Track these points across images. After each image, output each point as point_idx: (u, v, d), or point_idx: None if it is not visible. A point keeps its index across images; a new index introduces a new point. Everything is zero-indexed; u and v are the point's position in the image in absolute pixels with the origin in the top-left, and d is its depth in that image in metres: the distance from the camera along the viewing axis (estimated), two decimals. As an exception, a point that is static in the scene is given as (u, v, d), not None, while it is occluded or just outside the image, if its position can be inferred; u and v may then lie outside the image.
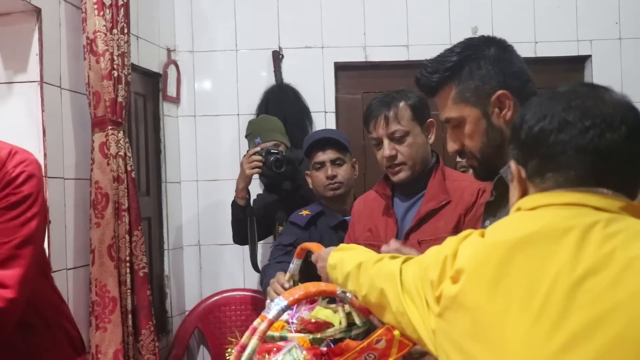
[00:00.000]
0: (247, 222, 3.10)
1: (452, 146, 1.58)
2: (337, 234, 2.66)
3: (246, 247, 3.64)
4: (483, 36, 1.59)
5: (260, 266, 3.18)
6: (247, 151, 3.15)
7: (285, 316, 1.55)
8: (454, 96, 1.53)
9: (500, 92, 1.49)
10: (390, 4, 3.79)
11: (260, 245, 3.41)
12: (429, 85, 1.57)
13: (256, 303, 3.66)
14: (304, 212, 2.78)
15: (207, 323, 3.69)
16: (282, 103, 3.58)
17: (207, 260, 3.82)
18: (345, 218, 2.66)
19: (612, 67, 3.76)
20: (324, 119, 3.75)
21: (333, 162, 2.70)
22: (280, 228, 3.02)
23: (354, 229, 2.28)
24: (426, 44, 3.73)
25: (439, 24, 3.76)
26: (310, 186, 2.81)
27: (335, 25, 3.79)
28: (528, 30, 3.71)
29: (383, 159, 2.12)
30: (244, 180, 3.07)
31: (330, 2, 3.79)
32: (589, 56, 3.79)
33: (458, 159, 2.78)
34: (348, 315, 1.55)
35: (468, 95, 1.51)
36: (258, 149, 3.09)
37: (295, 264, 1.86)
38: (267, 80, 3.78)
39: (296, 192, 3.10)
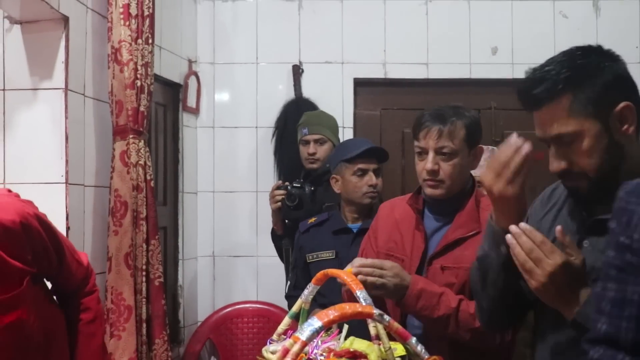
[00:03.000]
0: (282, 252, 3.25)
1: (558, 165, 1.40)
2: (337, 239, 2.72)
3: (260, 260, 3.67)
4: (599, 46, 1.45)
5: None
6: (272, 186, 3.22)
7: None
8: (571, 107, 1.36)
9: (624, 104, 1.36)
10: (410, 22, 3.80)
11: None
12: (540, 95, 1.38)
13: (269, 316, 3.66)
14: (311, 220, 2.89)
15: (219, 334, 3.69)
16: (300, 117, 3.58)
17: (221, 271, 3.82)
18: (349, 226, 2.74)
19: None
20: (342, 134, 3.75)
21: (375, 171, 2.74)
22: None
23: (377, 234, 2.17)
24: (446, 62, 3.76)
25: (459, 42, 3.77)
26: (337, 190, 2.79)
27: (355, 41, 3.81)
28: (548, 51, 3.69)
29: (423, 171, 2.00)
30: (273, 213, 3.22)
31: (351, 18, 3.81)
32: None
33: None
34: (385, 353, 1.52)
35: (589, 106, 1.35)
36: (282, 183, 3.18)
37: (309, 290, 1.71)
38: (286, 94, 3.80)
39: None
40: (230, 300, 3.77)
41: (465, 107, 2.05)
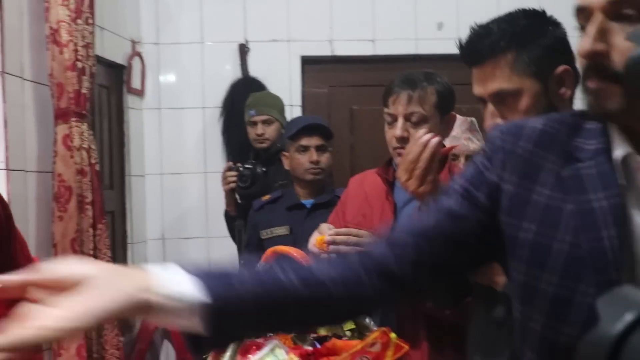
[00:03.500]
0: (235, 233, 3.21)
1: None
2: (291, 215, 2.72)
3: (211, 241, 3.64)
4: (543, 10, 1.43)
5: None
6: (224, 168, 3.21)
7: None
8: (514, 64, 1.33)
9: (564, 67, 1.35)
10: (356, -2, 3.79)
11: None
12: (483, 50, 1.36)
13: (221, 297, 3.64)
14: (264, 198, 2.88)
15: (171, 317, 3.65)
16: (247, 96, 3.55)
17: (172, 254, 3.78)
18: (302, 202, 2.75)
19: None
20: (290, 112, 3.73)
21: (318, 148, 2.74)
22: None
23: (346, 208, 2.10)
24: (392, 38, 3.76)
25: (405, 19, 3.78)
26: (286, 167, 2.83)
27: (301, 19, 3.78)
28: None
29: (393, 138, 1.88)
30: (226, 195, 3.19)
31: (297, -4, 3.79)
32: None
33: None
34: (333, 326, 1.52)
35: (531, 65, 1.34)
36: (232, 164, 3.16)
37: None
38: (232, 73, 3.76)
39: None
40: (182, 283, 3.73)
41: (438, 73, 1.95)
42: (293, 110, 3.76)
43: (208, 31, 3.78)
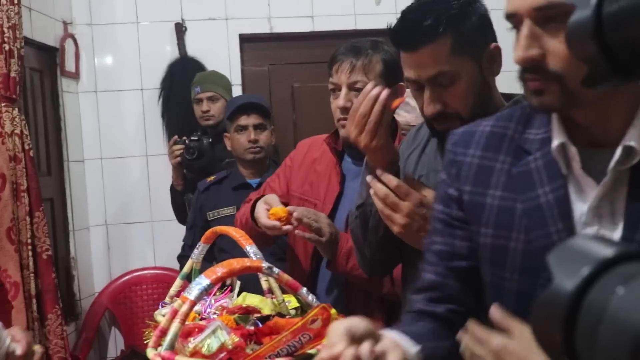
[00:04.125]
0: (186, 207, 3.18)
1: (433, 108, 1.36)
2: (237, 194, 2.69)
3: (155, 225, 3.60)
4: None
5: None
6: (170, 142, 3.23)
7: (197, 307, 1.47)
8: (452, 47, 1.32)
9: (494, 44, 1.38)
10: (294, -25, 3.75)
11: None
12: (420, 35, 1.32)
13: (168, 281, 3.60)
14: (210, 179, 2.85)
15: (117, 304, 3.60)
16: (186, 76, 3.49)
17: (115, 239, 3.71)
18: (248, 181, 2.74)
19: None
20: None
21: (256, 127, 2.73)
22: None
23: (291, 173, 2.02)
24: (331, 14, 3.74)
25: (344, -6, 3.76)
26: (229, 148, 2.83)
27: (239, -4, 3.72)
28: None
29: (337, 109, 1.81)
30: (174, 169, 3.22)
31: (234, -28, 3.72)
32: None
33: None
34: (279, 306, 1.51)
35: (467, 46, 1.34)
36: (178, 138, 3.18)
37: (200, 250, 1.64)
38: (171, 53, 3.69)
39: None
40: (127, 269, 3.68)
41: (387, 42, 1.80)
42: (233, 90, 3.71)
43: (143, 10, 3.69)
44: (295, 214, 1.73)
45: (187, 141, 3.12)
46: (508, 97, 1.44)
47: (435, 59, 1.33)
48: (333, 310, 1.18)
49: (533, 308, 0.68)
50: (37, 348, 1.53)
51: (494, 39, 1.40)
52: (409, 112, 2.32)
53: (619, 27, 0.56)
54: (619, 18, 0.55)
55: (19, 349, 1.46)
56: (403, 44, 1.38)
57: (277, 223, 1.74)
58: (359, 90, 1.74)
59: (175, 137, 3.21)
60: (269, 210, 1.80)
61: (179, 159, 3.14)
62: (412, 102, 2.14)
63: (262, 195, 1.93)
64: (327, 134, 1.99)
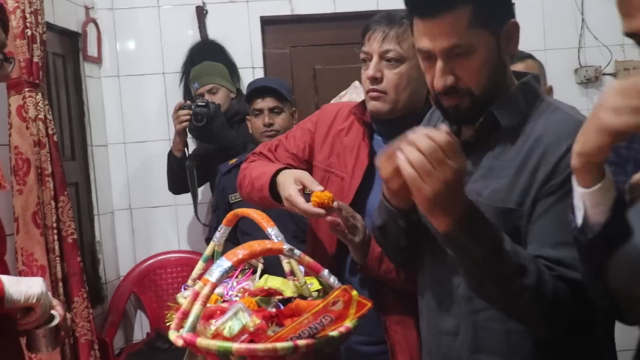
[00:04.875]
0: (184, 173, 3.18)
1: (444, 81, 1.31)
2: None
3: (180, 208, 3.61)
4: None
5: (200, 217, 3.36)
6: (175, 107, 3.16)
7: (218, 289, 1.47)
8: (471, 18, 1.26)
9: (513, 20, 1.33)
10: (315, -45, 3.71)
11: (205, 197, 3.58)
12: (440, 2, 1.26)
13: (192, 264, 3.60)
14: (232, 161, 2.85)
15: (142, 287, 3.63)
16: (207, 59, 3.49)
17: (140, 223, 3.74)
18: None
19: (534, 13, 3.78)
20: (252, 74, 3.68)
21: (271, 110, 2.75)
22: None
23: (314, 141, 1.90)
24: (353, -5, 3.71)
25: (365, -26, 3.72)
26: (250, 131, 2.85)
27: (259, -22, 3.70)
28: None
29: (366, 80, 1.73)
30: (177, 134, 3.14)
31: (254, -46, 3.69)
32: (512, 4, 3.81)
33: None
34: (300, 288, 1.50)
35: (487, 19, 1.28)
36: (184, 102, 3.13)
37: (221, 232, 1.63)
38: (192, 37, 3.68)
39: (229, 144, 3.07)
40: (152, 252, 3.70)
41: None
42: (255, 72, 3.70)
43: (164, -6, 3.68)
44: (336, 204, 1.59)
45: (193, 107, 3.04)
46: (516, 75, 1.42)
47: (452, 29, 1.26)
48: (354, 292, 1.16)
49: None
50: (67, 315, 1.56)
51: (513, 15, 1.34)
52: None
53: None
54: None
55: (57, 317, 1.49)
56: (420, 10, 1.30)
57: (322, 211, 1.57)
58: (390, 60, 1.70)
59: (181, 101, 3.17)
60: (303, 190, 1.64)
61: (184, 124, 3.06)
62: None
63: (286, 167, 1.79)
64: (353, 103, 1.90)
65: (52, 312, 1.51)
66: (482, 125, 1.34)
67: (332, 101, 2.42)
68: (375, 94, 1.72)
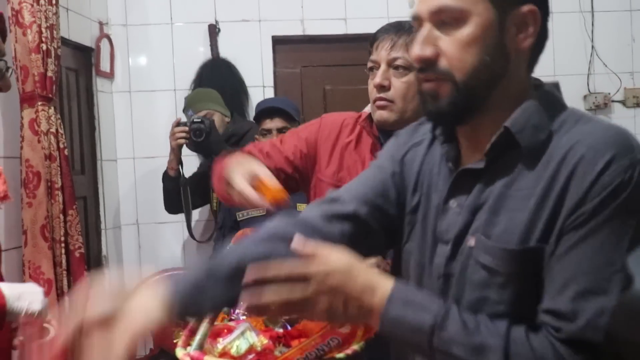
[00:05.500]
0: (179, 193, 3.18)
1: (421, 50, 1.03)
2: None
3: (185, 224, 3.62)
4: None
5: (194, 233, 3.38)
6: (172, 124, 3.18)
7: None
8: None
9: (531, 6, 1.03)
10: (327, -23, 3.75)
11: (197, 212, 3.54)
12: None
13: (197, 281, 3.62)
14: None
15: (147, 302, 3.62)
16: (215, 78, 3.53)
17: (146, 238, 3.75)
18: None
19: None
20: (262, 93, 3.70)
21: (280, 130, 2.77)
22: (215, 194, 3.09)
23: (317, 153, 1.81)
24: (364, 17, 3.73)
25: (377, -3, 3.75)
26: None
27: (272, -1, 3.74)
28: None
29: (373, 89, 1.69)
30: (172, 152, 3.14)
31: (267, -25, 3.74)
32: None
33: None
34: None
35: None
36: (181, 120, 3.15)
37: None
38: (204, 54, 3.71)
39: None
40: (158, 268, 3.70)
41: None
42: (265, 91, 3.73)
43: (177, 11, 3.72)
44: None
45: (188, 124, 3.05)
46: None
47: None
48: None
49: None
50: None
51: (540, 3, 1.05)
52: None
53: None
54: None
55: (52, 332, 1.50)
56: None
57: (257, 198, 1.49)
58: (398, 67, 1.66)
59: (179, 118, 3.20)
60: (255, 180, 1.54)
61: (181, 141, 3.07)
62: None
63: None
64: (357, 113, 1.85)
65: (48, 325, 1.53)
66: (495, 147, 1.03)
67: None
68: (382, 102, 1.67)
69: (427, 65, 1.03)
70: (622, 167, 0.93)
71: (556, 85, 1.11)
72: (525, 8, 1.03)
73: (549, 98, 1.07)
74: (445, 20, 1.02)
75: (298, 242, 1.00)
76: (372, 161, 1.25)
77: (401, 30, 1.68)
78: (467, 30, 1.01)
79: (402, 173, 1.18)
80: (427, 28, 1.04)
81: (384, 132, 1.71)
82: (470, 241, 1.03)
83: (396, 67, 1.67)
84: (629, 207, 0.93)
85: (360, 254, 1.03)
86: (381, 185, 1.18)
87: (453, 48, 1.01)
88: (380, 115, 1.68)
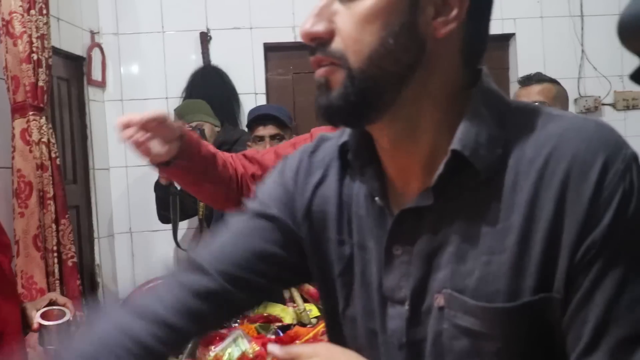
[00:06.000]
0: (170, 201, 3.21)
1: (311, 24, 0.77)
2: None
3: (180, 233, 3.61)
4: None
5: (184, 242, 3.44)
6: None
7: None
8: None
9: None
10: (318, -16, 3.76)
11: (188, 221, 3.59)
12: None
13: (191, 288, 3.61)
14: None
15: (141, 311, 3.62)
16: (207, 85, 3.54)
17: (140, 247, 3.74)
18: None
19: (535, 44, 3.85)
20: (254, 100, 3.71)
21: (272, 137, 2.78)
22: (202, 204, 3.16)
23: None
24: (355, 23, 3.74)
25: (367, 3, 3.76)
26: None
27: (263, 5, 3.74)
28: None
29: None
30: None
31: (258, -18, 3.75)
32: (513, 34, 3.87)
33: None
34: (300, 315, 1.51)
35: None
36: None
37: None
38: (195, 62, 3.72)
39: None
40: (151, 276, 3.69)
41: None
42: (257, 98, 3.73)
43: (169, 20, 3.73)
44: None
45: None
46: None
47: None
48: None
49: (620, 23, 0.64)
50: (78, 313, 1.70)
51: None
52: None
53: None
54: None
55: (69, 313, 1.61)
56: None
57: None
58: None
59: None
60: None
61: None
62: None
63: None
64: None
65: (63, 308, 1.60)
66: (443, 178, 0.77)
67: None
68: None
69: (317, 45, 0.78)
70: (619, 172, 0.72)
71: (486, 74, 0.83)
72: None
73: (490, 96, 0.80)
74: None
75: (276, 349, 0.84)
76: (240, 217, 0.96)
77: None
78: (369, 4, 0.75)
79: (311, 225, 0.92)
80: (320, 2, 0.79)
81: None
82: (438, 300, 0.79)
83: None
84: None
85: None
86: (263, 248, 0.92)
87: (349, 24, 0.76)
88: None
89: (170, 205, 3.21)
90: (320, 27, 0.77)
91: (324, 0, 0.78)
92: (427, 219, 0.80)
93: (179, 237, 3.42)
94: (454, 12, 0.77)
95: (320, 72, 0.79)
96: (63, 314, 1.64)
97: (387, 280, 0.83)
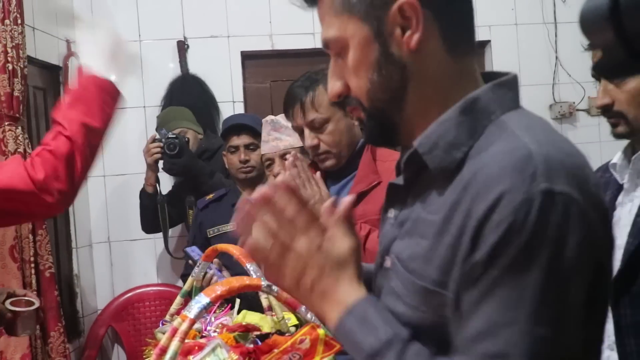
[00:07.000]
0: (156, 210, 3.24)
1: (331, 86, 0.98)
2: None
3: (158, 242, 3.60)
4: None
5: (172, 251, 3.45)
6: (148, 141, 3.24)
7: (197, 325, 1.48)
8: (335, 4, 0.94)
9: (403, 1, 0.88)
10: (295, -8, 3.77)
11: (176, 229, 3.59)
12: None
13: (171, 297, 3.59)
14: (209, 196, 2.90)
15: (120, 321, 3.60)
16: (185, 94, 3.54)
17: (118, 256, 3.72)
18: (247, 198, 2.76)
19: (510, 51, 3.90)
20: (232, 108, 3.71)
21: (247, 146, 2.79)
22: (191, 212, 3.15)
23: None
24: (332, 31, 3.76)
25: (344, 11, 3.78)
26: (227, 167, 2.91)
27: (240, 14, 3.75)
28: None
29: (309, 148, 1.95)
30: (150, 169, 3.22)
31: (235, -9, 3.75)
32: (489, 41, 3.92)
33: None
34: (278, 323, 1.51)
35: (354, 1, 0.91)
36: (156, 136, 3.20)
37: (200, 267, 1.68)
38: (173, 71, 3.71)
39: (203, 176, 3.14)
40: (130, 286, 3.68)
41: (322, 71, 1.88)
42: (235, 106, 3.74)
43: (145, 28, 3.72)
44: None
45: (163, 140, 3.12)
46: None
47: (323, 18, 0.98)
48: (321, 331, 1.18)
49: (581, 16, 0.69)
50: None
51: None
52: (291, 135, 2.27)
53: (637, 12, 0.57)
54: (638, 3, 0.57)
55: (37, 302, 1.83)
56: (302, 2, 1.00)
57: None
58: (318, 126, 1.91)
59: (154, 134, 3.24)
60: None
61: (156, 156, 3.14)
62: (286, 122, 2.18)
63: None
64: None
65: (30, 298, 1.69)
66: (407, 166, 0.94)
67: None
68: (322, 157, 1.95)
69: (343, 99, 0.98)
70: (513, 203, 0.76)
71: (499, 86, 0.91)
72: (395, 6, 0.88)
73: (474, 108, 0.89)
74: (337, 51, 0.96)
75: (343, 202, 0.94)
76: None
77: (307, 89, 1.92)
78: (351, 57, 0.93)
79: None
80: (332, 61, 0.98)
81: (329, 172, 2.00)
82: (387, 261, 0.95)
83: (315, 127, 1.92)
84: (528, 253, 0.76)
85: None
86: None
87: (350, 78, 0.95)
88: (325, 166, 1.97)
89: (157, 214, 3.23)
90: (337, 88, 0.97)
91: (332, 62, 0.97)
92: (402, 194, 0.97)
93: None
94: (414, 22, 0.89)
95: (355, 114, 0.99)
96: (32, 303, 1.78)
97: (381, 236, 1.02)
